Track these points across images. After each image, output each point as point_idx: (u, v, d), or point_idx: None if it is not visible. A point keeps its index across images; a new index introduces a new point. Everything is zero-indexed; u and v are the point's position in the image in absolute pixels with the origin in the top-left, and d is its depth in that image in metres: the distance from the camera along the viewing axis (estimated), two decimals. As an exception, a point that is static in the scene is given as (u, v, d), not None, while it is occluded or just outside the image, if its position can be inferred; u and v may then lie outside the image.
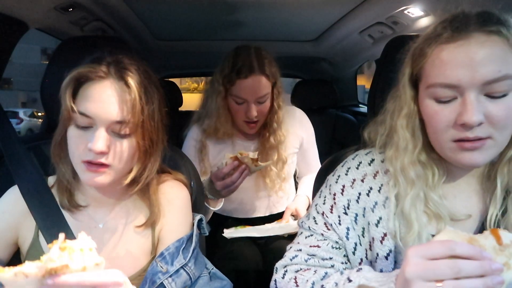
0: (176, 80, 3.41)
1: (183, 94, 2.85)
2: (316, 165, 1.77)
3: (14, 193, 0.94)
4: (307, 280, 0.81)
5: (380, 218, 0.84)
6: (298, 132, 1.70)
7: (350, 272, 0.75)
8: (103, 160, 0.83)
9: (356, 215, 0.87)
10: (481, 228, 0.79)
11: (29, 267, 0.58)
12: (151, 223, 0.94)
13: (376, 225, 0.84)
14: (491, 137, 0.71)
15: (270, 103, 1.57)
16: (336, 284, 0.76)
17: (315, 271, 0.84)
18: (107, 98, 0.83)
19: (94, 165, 0.83)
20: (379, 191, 0.86)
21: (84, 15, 1.67)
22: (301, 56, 2.73)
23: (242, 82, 1.48)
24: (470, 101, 0.69)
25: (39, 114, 17.55)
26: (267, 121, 1.62)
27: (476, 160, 0.72)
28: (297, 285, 0.82)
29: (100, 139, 0.81)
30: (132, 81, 0.85)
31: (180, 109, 2.89)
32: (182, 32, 2.31)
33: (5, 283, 0.58)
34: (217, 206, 1.47)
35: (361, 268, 0.75)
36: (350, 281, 0.73)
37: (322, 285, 0.78)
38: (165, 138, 0.96)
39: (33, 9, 1.40)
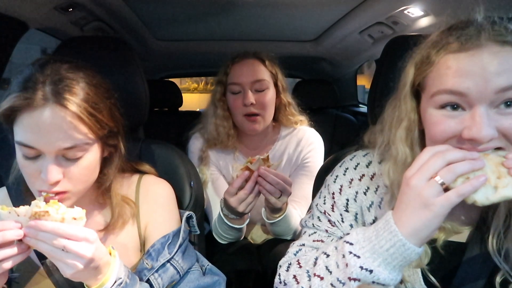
0: (176, 80, 3.41)
1: (183, 94, 2.86)
2: (303, 196, 1.49)
3: (1, 194, 0.95)
4: (310, 258, 0.81)
5: (376, 218, 0.84)
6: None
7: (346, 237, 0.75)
8: (59, 188, 0.78)
9: (356, 213, 0.87)
10: (479, 237, 0.78)
11: (21, 208, 0.71)
12: (114, 225, 0.92)
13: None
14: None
15: (274, 97, 1.54)
16: (336, 247, 0.75)
17: (317, 249, 0.84)
18: (49, 128, 0.74)
19: (53, 194, 0.78)
20: (375, 192, 0.86)
21: (84, 15, 1.66)
22: (301, 56, 2.73)
23: (237, 67, 1.50)
24: (480, 113, 0.65)
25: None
26: (279, 118, 1.59)
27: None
28: (301, 266, 0.81)
29: (51, 170, 0.76)
30: (72, 104, 0.75)
31: (180, 109, 2.90)
32: (182, 32, 2.31)
33: (3, 217, 0.72)
34: (243, 223, 1.37)
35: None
36: (350, 244, 0.72)
37: (324, 252, 0.77)
38: (123, 138, 0.91)
39: (33, 9, 1.40)
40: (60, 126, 0.75)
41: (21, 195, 0.91)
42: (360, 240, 0.70)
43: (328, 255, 0.76)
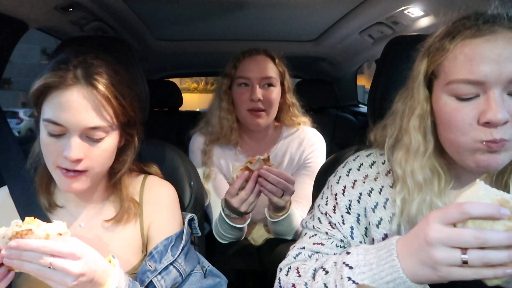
0: (176, 80, 3.41)
1: (183, 94, 2.86)
2: (305, 196, 1.47)
3: (2, 193, 0.95)
4: (309, 268, 0.80)
5: (381, 219, 0.84)
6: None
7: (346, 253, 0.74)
8: (79, 167, 0.82)
9: (358, 215, 0.87)
10: None
11: None
12: (120, 218, 0.93)
13: (377, 226, 0.84)
14: (509, 140, 0.68)
15: (280, 95, 1.55)
16: (335, 263, 0.75)
17: (316, 259, 0.84)
18: (78, 106, 0.80)
19: (71, 171, 0.82)
20: (379, 192, 0.85)
21: (84, 15, 1.66)
22: (301, 56, 2.73)
23: (247, 61, 1.51)
24: (494, 98, 0.66)
25: (39, 114, 17.49)
26: (281, 118, 1.60)
27: (494, 163, 0.69)
28: (300, 275, 0.81)
29: (75, 147, 0.80)
30: (101, 85, 0.82)
31: (180, 109, 2.90)
32: (182, 32, 2.31)
33: None
34: (244, 222, 1.38)
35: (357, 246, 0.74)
36: (350, 268, 0.72)
37: (322, 266, 0.77)
38: (140, 132, 0.97)
39: (33, 9, 1.40)
40: (89, 105, 0.81)
41: (32, 185, 0.93)
42: (360, 264, 0.69)
43: (327, 272, 0.75)
